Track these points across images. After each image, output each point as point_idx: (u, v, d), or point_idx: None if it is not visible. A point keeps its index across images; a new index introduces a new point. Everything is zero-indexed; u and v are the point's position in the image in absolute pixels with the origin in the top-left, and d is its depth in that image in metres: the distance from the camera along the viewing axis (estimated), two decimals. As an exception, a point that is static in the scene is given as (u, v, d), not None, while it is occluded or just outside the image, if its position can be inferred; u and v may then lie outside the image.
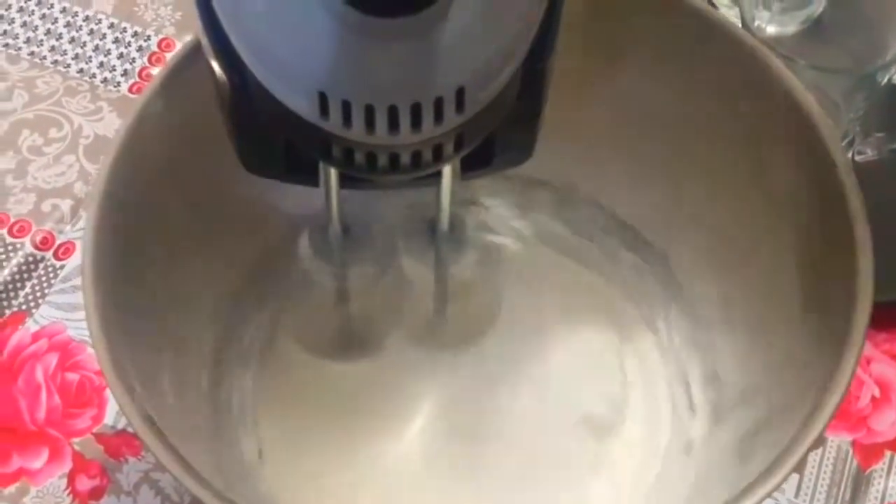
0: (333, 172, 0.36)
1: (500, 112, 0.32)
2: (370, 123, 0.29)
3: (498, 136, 0.34)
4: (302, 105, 0.30)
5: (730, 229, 0.45)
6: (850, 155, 0.52)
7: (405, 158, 0.31)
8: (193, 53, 0.39)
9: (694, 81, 0.43)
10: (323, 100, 0.29)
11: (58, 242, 0.55)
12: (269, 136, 0.33)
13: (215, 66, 0.31)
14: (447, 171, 0.36)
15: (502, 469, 0.46)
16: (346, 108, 0.29)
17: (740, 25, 0.49)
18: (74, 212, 0.56)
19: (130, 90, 0.60)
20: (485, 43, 0.29)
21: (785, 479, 0.34)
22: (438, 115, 0.29)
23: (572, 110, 0.41)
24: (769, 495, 0.33)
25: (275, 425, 0.47)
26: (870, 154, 0.53)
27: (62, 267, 0.54)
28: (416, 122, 0.29)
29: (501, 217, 0.52)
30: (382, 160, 0.31)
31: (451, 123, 0.30)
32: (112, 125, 0.58)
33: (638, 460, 0.47)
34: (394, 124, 0.29)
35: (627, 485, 0.46)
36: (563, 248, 0.51)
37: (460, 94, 0.29)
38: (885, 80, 0.50)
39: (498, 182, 0.50)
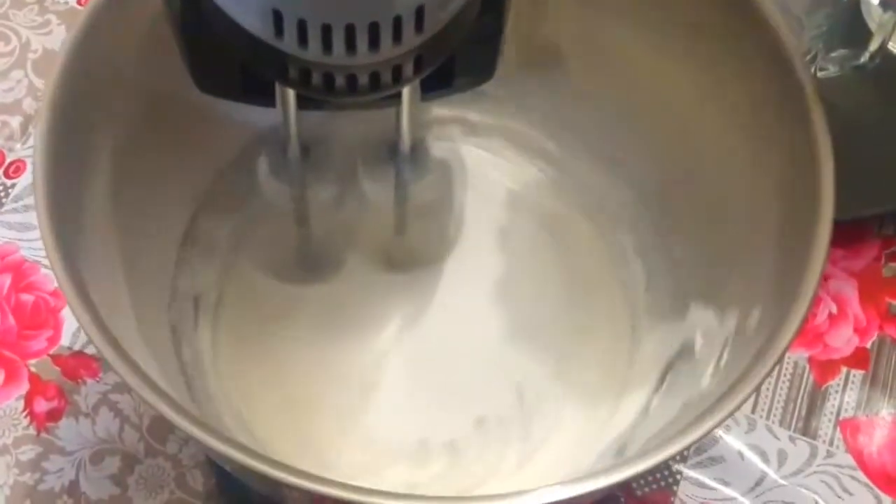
0: (291, 93, 0.35)
1: (460, 32, 0.31)
2: (327, 43, 0.29)
3: (459, 57, 0.33)
4: (256, 24, 0.29)
5: (695, 145, 0.45)
6: (812, 71, 0.52)
7: (363, 80, 0.31)
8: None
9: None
10: (278, 18, 0.28)
11: (8, 160, 0.54)
12: (223, 56, 0.32)
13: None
14: (407, 91, 0.35)
15: (462, 386, 0.46)
16: (302, 26, 0.28)
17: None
18: (24, 129, 0.54)
19: (79, 2, 0.58)
20: (445, -41, 0.29)
21: (749, 396, 0.34)
22: (397, 35, 0.29)
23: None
24: (731, 415, 0.34)
25: (235, 347, 0.46)
26: (832, 70, 0.52)
27: (13, 186, 0.53)
28: (374, 42, 0.29)
29: (460, 136, 0.51)
30: (340, 81, 0.31)
31: (410, 44, 0.29)
32: (61, 39, 0.57)
33: (599, 378, 0.47)
34: (351, 44, 0.29)
35: (587, 401, 0.46)
36: (524, 167, 0.51)
37: (419, 12, 0.29)
38: (849, -5, 0.49)
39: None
